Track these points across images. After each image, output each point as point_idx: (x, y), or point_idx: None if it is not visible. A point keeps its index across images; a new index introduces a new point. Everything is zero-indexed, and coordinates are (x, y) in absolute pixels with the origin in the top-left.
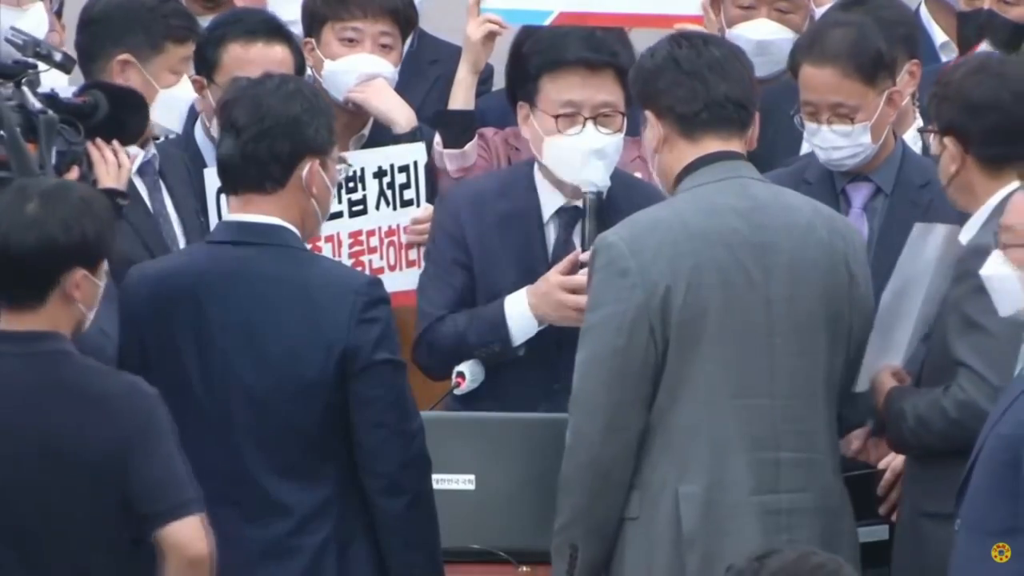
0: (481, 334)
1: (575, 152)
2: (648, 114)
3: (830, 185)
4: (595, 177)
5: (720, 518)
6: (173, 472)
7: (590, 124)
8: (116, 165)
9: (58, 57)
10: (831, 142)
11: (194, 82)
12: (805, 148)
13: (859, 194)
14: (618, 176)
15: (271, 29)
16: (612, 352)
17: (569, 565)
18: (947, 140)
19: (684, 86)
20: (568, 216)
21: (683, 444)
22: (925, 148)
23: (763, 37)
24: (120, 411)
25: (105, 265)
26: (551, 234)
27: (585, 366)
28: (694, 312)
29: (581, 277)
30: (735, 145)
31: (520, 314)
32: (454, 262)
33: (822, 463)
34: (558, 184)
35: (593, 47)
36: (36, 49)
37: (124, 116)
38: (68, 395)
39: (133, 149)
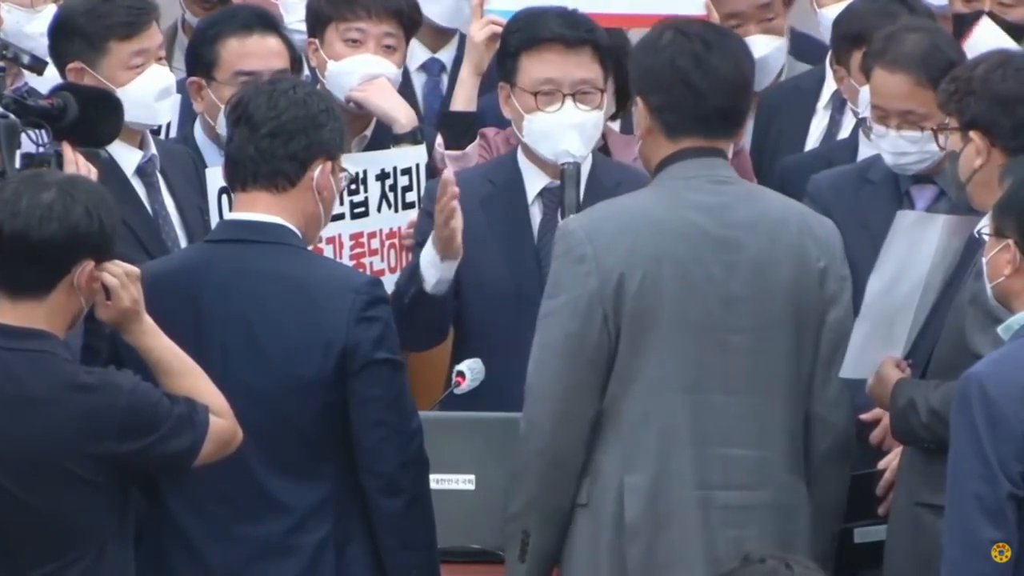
0: (405, 281)
1: (554, 128)
2: (638, 100)
3: (894, 186)
4: (572, 147)
5: (663, 510)
6: (165, 439)
7: (569, 101)
8: (86, 168)
9: (26, 59)
10: (899, 147)
11: (191, 84)
12: (809, 145)
13: (923, 196)
14: (601, 158)
15: (264, 22)
16: (565, 337)
17: (520, 551)
18: (973, 134)
19: (676, 94)
20: (552, 196)
21: (632, 434)
22: None
23: (759, 55)
24: (101, 415)
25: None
26: (536, 214)
27: (539, 351)
28: (647, 303)
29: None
30: (718, 143)
31: (429, 258)
32: None
33: (776, 461)
34: (541, 164)
35: (570, 24)
36: (3, 51)
37: (96, 118)
38: (51, 399)
39: (128, 150)
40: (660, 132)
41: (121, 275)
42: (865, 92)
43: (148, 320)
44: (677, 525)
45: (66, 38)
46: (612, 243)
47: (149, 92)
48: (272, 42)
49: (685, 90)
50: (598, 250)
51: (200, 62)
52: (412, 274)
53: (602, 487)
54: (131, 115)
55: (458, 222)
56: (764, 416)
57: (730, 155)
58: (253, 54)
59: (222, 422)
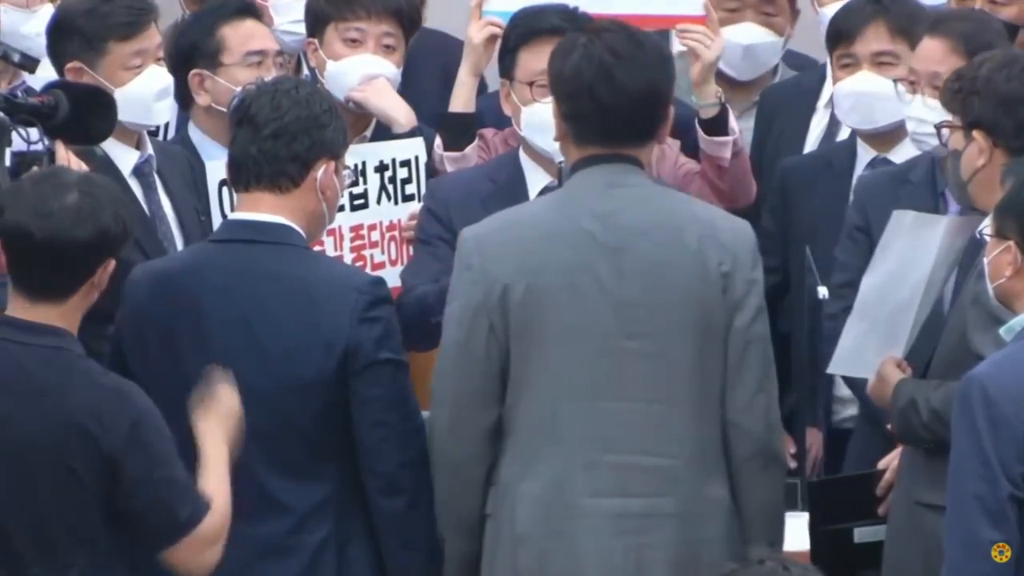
0: (435, 303)
1: (550, 119)
2: (552, 103)
3: (931, 186)
4: None
5: (556, 518)
6: (168, 487)
7: None
8: (78, 167)
9: (16, 57)
10: (920, 114)
11: (193, 77)
12: (809, 146)
13: None
14: None
15: (253, 10)
16: (454, 344)
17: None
18: (976, 134)
19: (581, 105)
20: None
21: (527, 442)
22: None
23: (750, 42)
24: (113, 416)
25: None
26: None
27: (439, 357)
28: (533, 312)
29: None
30: (623, 150)
31: None
32: (438, 237)
33: (681, 469)
34: (543, 163)
35: (569, 19)
36: None
37: (88, 116)
38: (58, 396)
39: (125, 150)
40: (568, 138)
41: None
42: (836, 88)
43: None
44: (570, 534)
45: (65, 38)
46: (499, 253)
47: (148, 92)
48: (263, 27)
49: (589, 102)
50: (485, 260)
51: (201, 52)
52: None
53: (502, 497)
54: (129, 115)
55: None
56: (667, 423)
57: (728, 156)
58: (257, 35)
59: (214, 521)
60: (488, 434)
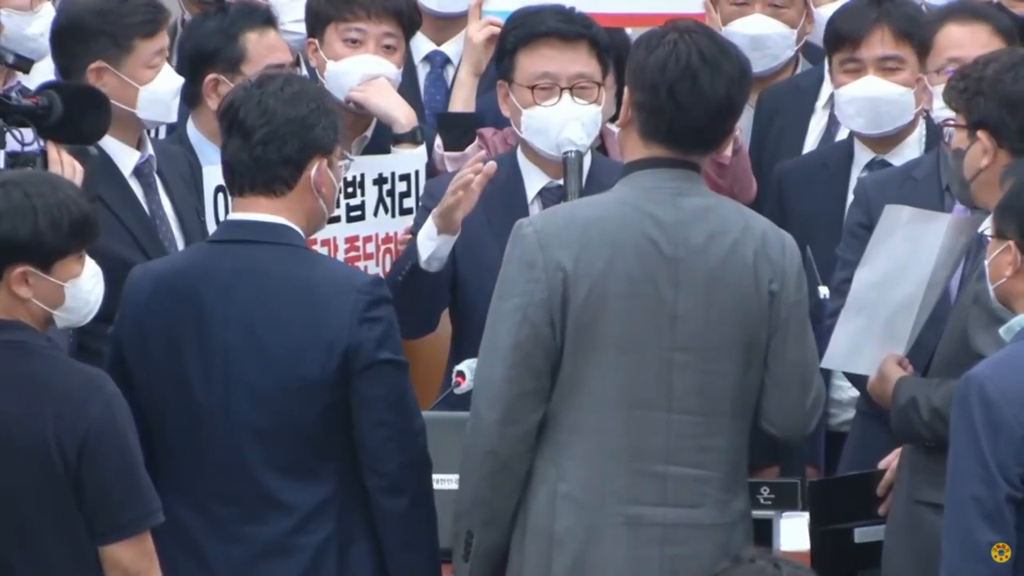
0: (401, 258)
1: (551, 122)
2: (626, 90)
3: (936, 182)
4: (574, 135)
5: (593, 524)
6: (124, 481)
7: (566, 95)
8: (71, 167)
9: (10, 59)
10: None
11: (209, 81)
12: (808, 146)
13: None
14: (600, 158)
15: (274, 20)
16: (515, 344)
17: (464, 551)
18: (980, 134)
19: (658, 100)
20: (551, 195)
21: (569, 443)
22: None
23: (758, 32)
24: (78, 405)
25: (75, 266)
26: (535, 213)
27: (487, 354)
28: (592, 317)
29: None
30: (690, 157)
31: (426, 231)
32: None
33: (714, 479)
34: (541, 163)
35: (567, 19)
36: None
37: (82, 116)
38: (25, 385)
39: (126, 151)
40: (636, 129)
41: None
42: (840, 93)
43: None
44: (606, 540)
45: (85, 39)
46: (563, 254)
47: (168, 90)
48: (282, 40)
49: (668, 100)
50: (548, 259)
51: (221, 57)
52: (408, 251)
53: (535, 490)
54: (151, 113)
55: (463, 200)
56: (706, 435)
57: (728, 153)
58: (279, 48)
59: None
60: (535, 431)
